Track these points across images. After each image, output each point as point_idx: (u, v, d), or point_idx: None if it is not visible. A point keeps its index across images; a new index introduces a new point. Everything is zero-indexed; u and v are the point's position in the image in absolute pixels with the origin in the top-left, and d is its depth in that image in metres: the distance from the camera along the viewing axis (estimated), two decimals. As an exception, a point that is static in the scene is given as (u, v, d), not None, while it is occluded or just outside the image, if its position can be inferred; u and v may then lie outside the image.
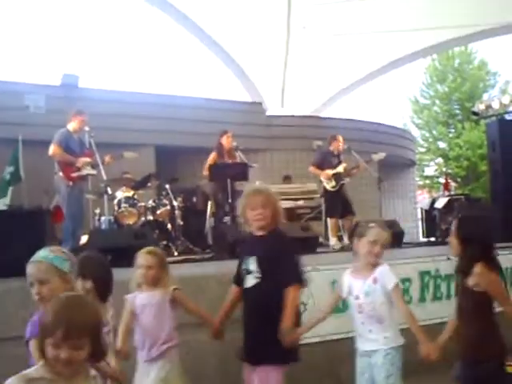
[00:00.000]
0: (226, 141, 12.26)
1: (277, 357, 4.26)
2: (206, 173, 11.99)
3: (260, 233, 4.49)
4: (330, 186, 12.12)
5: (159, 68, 55.25)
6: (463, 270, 4.28)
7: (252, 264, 4.40)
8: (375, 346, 4.40)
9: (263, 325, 4.27)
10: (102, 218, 11.34)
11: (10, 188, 13.17)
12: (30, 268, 3.54)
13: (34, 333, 3.18)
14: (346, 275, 4.64)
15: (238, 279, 4.60)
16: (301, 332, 4.45)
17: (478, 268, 4.14)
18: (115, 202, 11.82)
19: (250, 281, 4.42)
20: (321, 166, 12.30)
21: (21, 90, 15.79)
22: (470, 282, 4.17)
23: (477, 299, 4.16)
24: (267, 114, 21.46)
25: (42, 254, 3.59)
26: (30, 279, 3.52)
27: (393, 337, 4.42)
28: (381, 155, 12.61)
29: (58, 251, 3.65)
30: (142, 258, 4.61)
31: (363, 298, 4.43)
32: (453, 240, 4.39)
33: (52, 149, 10.10)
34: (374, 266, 4.47)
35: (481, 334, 4.16)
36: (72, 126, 10.49)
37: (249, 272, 4.43)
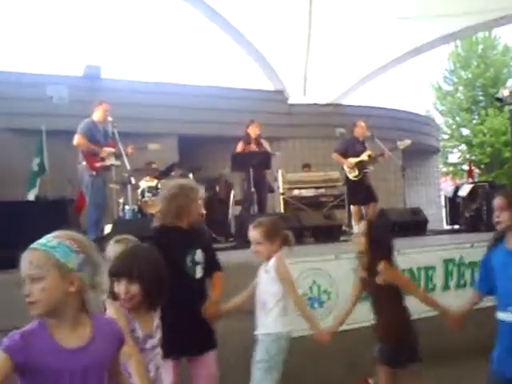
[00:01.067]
0: (252, 130, 12.26)
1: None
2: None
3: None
4: (352, 175, 12.02)
5: (181, 57, 55.24)
6: (369, 267, 4.86)
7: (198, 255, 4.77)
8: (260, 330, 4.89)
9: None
10: (126, 208, 11.38)
11: (38, 179, 13.28)
12: (22, 259, 2.64)
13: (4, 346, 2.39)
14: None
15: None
16: (225, 308, 4.89)
17: (382, 265, 4.76)
18: (139, 191, 11.86)
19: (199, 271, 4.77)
20: (345, 153, 12.17)
21: (44, 81, 15.87)
22: (379, 277, 4.77)
23: (386, 292, 4.78)
24: (289, 102, 21.41)
25: (42, 240, 2.64)
26: (22, 275, 2.62)
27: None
28: (406, 142, 12.49)
29: (66, 238, 2.62)
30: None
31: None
32: (361, 239, 4.91)
33: (77, 138, 10.16)
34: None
35: (393, 321, 4.75)
36: (97, 115, 10.55)
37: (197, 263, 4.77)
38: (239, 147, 12.14)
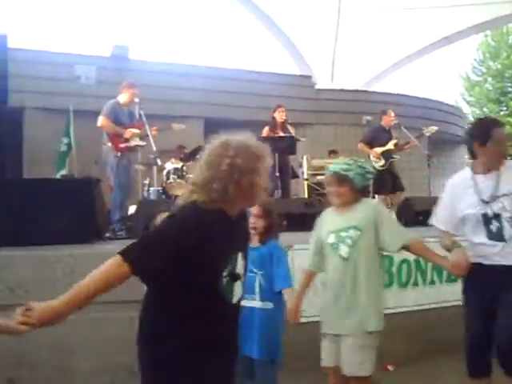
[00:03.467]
0: (278, 115, 12.22)
1: None
2: None
3: None
4: (378, 165, 11.92)
5: (209, 40, 55.22)
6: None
7: None
8: None
9: None
10: (151, 189, 11.42)
11: (67, 159, 13.36)
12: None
13: None
14: None
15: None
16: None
17: None
18: (164, 173, 11.89)
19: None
20: (371, 142, 12.11)
21: (72, 61, 15.95)
22: None
23: None
24: (316, 87, 21.35)
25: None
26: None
27: None
28: (433, 129, 12.39)
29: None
30: None
31: None
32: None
33: (101, 120, 10.15)
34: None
35: None
36: (123, 97, 10.52)
37: None
38: (265, 132, 12.11)
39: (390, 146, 11.95)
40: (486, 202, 4.59)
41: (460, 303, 4.90)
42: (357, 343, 4.46)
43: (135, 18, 49.67)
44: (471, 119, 37.12)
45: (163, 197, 11.47)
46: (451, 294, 7.10)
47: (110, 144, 10.09)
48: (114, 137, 10.09)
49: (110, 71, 15.40)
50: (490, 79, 38.35)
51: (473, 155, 4.77)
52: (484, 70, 38.64)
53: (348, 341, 4.50)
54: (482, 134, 4.67)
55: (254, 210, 4.75)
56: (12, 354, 5.54)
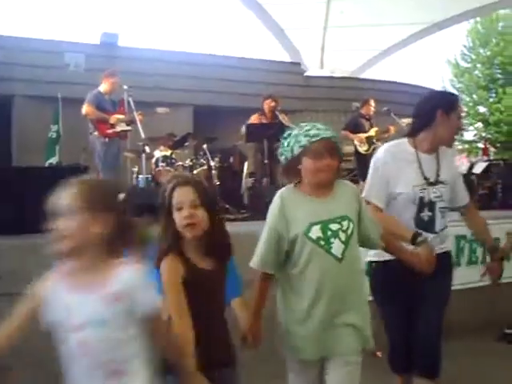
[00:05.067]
0: (267, 105, 12.25)
1: None
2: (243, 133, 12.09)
3: None
4: (362, 149, 12.23)
5: (199, 27, 55.05)
6: None
7: None
8: None
9: None
10: (140, 177, 11.41)
11: (57, 146, 13.34)
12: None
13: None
14: None
15: None
16: None
17: None
18: (153, 160, 11.88)
19: None
20: (353, 130, 12.40)
21: (61, 48, 15.89)
22: None
23: None
24: (306, 74, 21.35)
25: None
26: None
27: None
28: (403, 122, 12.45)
29: None
30: None
31: None
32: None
33: (85, 108, 10.26)
34: None
35: None
36: (103, 87, 10.66)
37: None
38: (253, 118, 12.15)
39: (372, 132, 12.20)
40: (430, 184, 4.18)
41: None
42: (353, 363, 3.49)
43: (124, 5, 49.53)
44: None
45: (152, 184, 11.46)
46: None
47: (96, 133, 10.17)
48: (99, 123, 10.19)
49: (99, 58, 15.35)
50: (479, 66, 38.42)
51: (417, 130, 4.29)
52: (473, 57, 38.71)
53: (341, 362, 3.47)
54: (449, 102, 4.27)
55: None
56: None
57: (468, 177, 13.98)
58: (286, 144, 3.57)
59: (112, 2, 48.71)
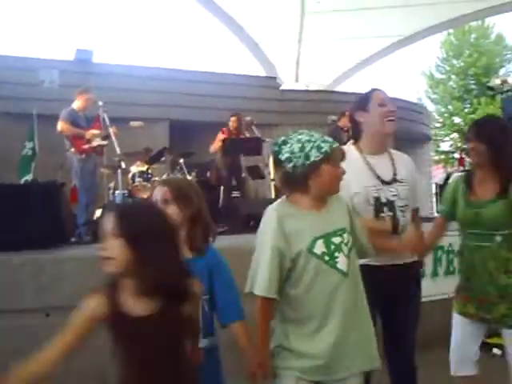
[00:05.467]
0: (231, 123, 12.51)
1: None
2: (213, 149, 12.40)
3: None
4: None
5: (173, 43, 55.14)
6: None
7: None
8: None
9: None
10: (117, 192, 11.36)
11: (33, 164, 13.24)
12: None
13: None
14: None
15: None
16: None
17: None
18: (129, 176, 11.85)
19: None
20: None
21: (35, 65, 15.82)
22: None
23: None
24: (281, 88, 21.40)
25: None
26: None
27: None
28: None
29: None
30: None
31: None
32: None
33: (60, 125, 10.24)
34: None
35: None
36: (77, 104, 10.65)
37: None
38: (220, 134, 12.40)
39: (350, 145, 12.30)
40: (385, 183, 4.10)
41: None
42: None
43: (99, 21, 49.52)
44: (436, 117, 37.52)
45: (129, 200, 11.42)
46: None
47: (72, 149, 10.14)
48: (75, 140, 10.17)
49: (74, 75, 15.29)
50: (453, 77, 38.83)
51: (357, 135, 4.33)
52: (448, 68, 39.13)
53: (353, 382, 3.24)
54: (362, 99, 4.31)
55: (160, 192, 3.40)
56: None
57: (444, 187, 14.10)
58: (296, 150, 3.27)
59: (86, 19, 48.67)
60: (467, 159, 31.47)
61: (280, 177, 3.35)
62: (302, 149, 3.26)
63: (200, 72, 19.31)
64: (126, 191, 11.42)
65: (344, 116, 12.62)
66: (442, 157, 39.86)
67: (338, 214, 3.38)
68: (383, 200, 4.06)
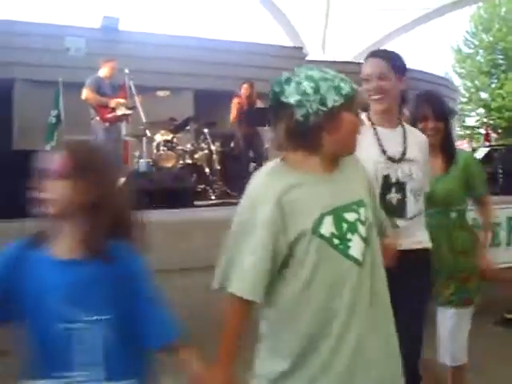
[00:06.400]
0: (243, 90, 12.52)
1: None
2: (232, 118, 12.62)
3: None
4: None
5: (201, 12, 54.91)
6: None
7: None
8: None
9: None
10: (141, 161, 11.40)
11: (56, 132, 13.29)
12: None
13: None
14: None
15: None
16: None
17: None
18: (154, 144, 11.87)
19: None
20: None
21: (61, 32, 15.80)
22: None
23: None
24: (307, 58, 21.26)
25: None
26: None
27: None
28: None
29: None
30: None
31: None
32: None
33: (85, 93, 10.27)
34: None
35: None
36: (103, 72, 10.68)
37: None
38: (233, 103, 12.56)
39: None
40: (393, 161, 3.48)
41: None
42: None
43: (125, -12, 49.40)
44: (462, 91, 37.17)
45: (153, 169, 11.44)
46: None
47: (97, 118, 10.17)
48: (99, 108, 10.20)
49: (100, 43, 15.25)
50: (481, 51, 38.36)
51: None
52: (476, 43, 38.63)
53: None
54: (403, 65, 3.73)
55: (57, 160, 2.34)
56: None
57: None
58: (309, 90, 2.36)
59: (113, -14, 48.56)
60: (493, 135, 31.28)
61: (283, 129, 2.41)
62: (316, 89, 2.36)
63: (227, 41, 19.22)
64: (150, 160, 11.46)
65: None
66: (468, 132, 39.56)
67: (353, 180, 2.53)
68: (393, 180, 3.45)
